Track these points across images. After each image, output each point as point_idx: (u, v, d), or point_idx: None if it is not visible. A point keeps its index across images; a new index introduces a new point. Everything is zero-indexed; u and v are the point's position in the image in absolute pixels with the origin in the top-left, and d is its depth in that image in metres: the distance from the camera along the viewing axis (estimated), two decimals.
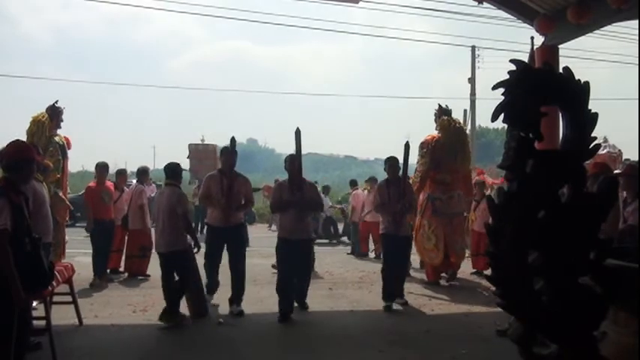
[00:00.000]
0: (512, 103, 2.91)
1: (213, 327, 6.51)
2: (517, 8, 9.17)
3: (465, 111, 24.91)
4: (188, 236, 6.83)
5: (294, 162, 7.23)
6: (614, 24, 9.83)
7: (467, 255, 11.83)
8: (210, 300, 7.26)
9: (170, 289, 6.61)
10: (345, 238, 16.29)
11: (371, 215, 13.19)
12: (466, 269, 10.44)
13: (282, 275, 7.16)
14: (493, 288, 3.11)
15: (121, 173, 10.58)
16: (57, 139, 8.52)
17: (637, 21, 7.43)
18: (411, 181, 8.49)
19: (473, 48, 26.69)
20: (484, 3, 9.31)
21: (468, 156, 10.08)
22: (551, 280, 2.98)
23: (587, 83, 3.08)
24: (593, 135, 3.09)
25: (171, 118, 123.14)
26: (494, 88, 2.97)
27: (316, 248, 8.51)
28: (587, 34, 9.06)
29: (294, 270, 7.17)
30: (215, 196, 7.23)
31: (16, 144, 4.71)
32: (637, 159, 8.28)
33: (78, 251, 10.31)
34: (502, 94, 2.94)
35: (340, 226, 16.95)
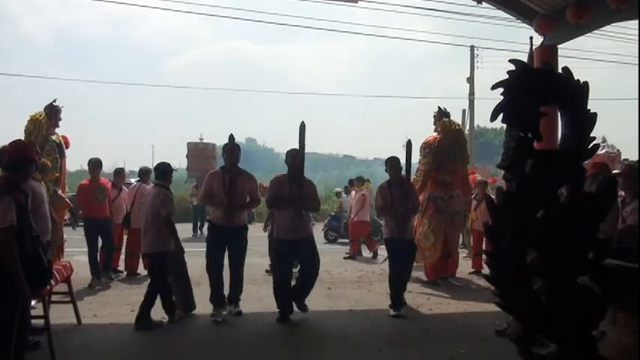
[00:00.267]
0: (512, 102, 2.91)
1: (212, 326, 6.51)
2: (516, 8, 9.19)
3: (464, 111, 24.95)
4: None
5: (295, 157, 6.92)
6: (613, 24, 9.85)
7: (464, 255, 11.92)
8: (219, 315, 6.67)
9: (152, 290, 6.56)
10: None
11: (359, 215, 13.31)
12: (465, 269, 10.45)
13: (278, 277, 6.96)
14: (492, 287, 3.12)
15: (119, 172, 10.56)
16: (54, 137, 8.51)
17: (636, 21, 7.44)
18: (412, 180, 8.45)
19: (472, 48, 26.69)
20: (483, 3, 9.33)
21: (467, 157, 10.35)
22: (550, 280, 2.98)
23: (586, 83, 3.08)
24: (591, 135, 3.10)
25: (170, 117, 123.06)
26: (494, 87, 2.97)
27: (328, 247, 8.51)
28: (586, 34, 9.06)
29: (303, 270, 6.96)
30: (217, 194, 6.87)
31: (17, 143, 4.76)
32: (635, 159, 8.30)
33: (77, 250, 10.29)
34: (501, 94, 2.94)
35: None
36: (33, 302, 5.38)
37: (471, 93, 26.09)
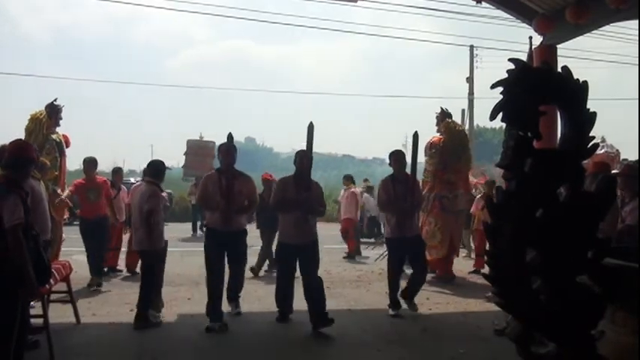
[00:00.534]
0: (511, 102, 2.91)
1: None
2: (516, 8, 9.18)
3: (463, 110, 24.97)
4: (163, 236, 6.75)
5: (304, 158, 6.62)
6: (613, 24, 9.85)
7: (464, 255, 11.97)
8: (214, 328, 6.23)
9: (144, 288, 6.53)
10: None
11: (345, 213, 13.44)
12: (465, 268, 10.46)
13: (281, 283, 6.77)
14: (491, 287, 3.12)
15: (117, 171, 10.55)
16: (54, 136, 8.53)
17: (636, 21, 7.44)
18: (421, 181, 8.48)
19: (471, 47, 26.70)
20: (483, 3, 9.32)
21: (470, 157, 10.56)
22: (549, 279, 2.98)
23: (585, 82, 3.08)
24: (591, 134, 3.10)
25: (169, 116, 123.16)
26: (493, 87, 2.97)
27: (327, 247, 8.49)
28: (585, 34, 9.06)
29: (292, 275, 6.73)
30: (214, 198, 6.53)
31: (17, 143, 4.80)
32: (634, 159, 8.30)
33: (75, 249, 10.29)
34: (500, 93, 2.94)
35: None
36: (32, 302, 5.39)
37: (471, 93, 26.12)
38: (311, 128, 6.68)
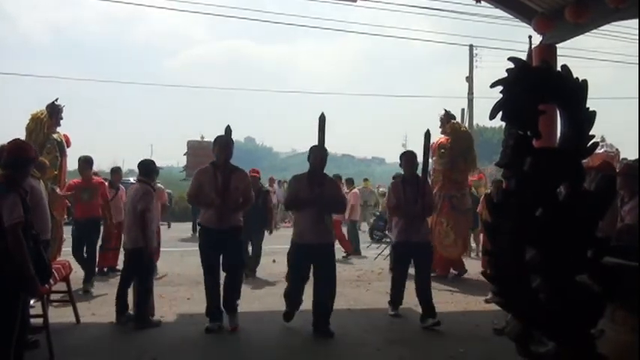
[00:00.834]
0: (510, 101, 2.90)
1: None
2: (515, 7, 9.19)
3: (463, 110, 25.02)
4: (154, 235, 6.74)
5: (317, 153, 6.23)
6: (612, 23, 9.86)
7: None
8: (214, 328, 6.17)
9: (138, 289, 6.53)
10: None
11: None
12: (469, 268, 10.46)
13: (292, 285, 6.37)
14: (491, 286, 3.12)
15: (116, 171, 10.51)
16: (55, 136, 8.59)
17: (636, 20, 7.45)
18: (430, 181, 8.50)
19: (471, 47, 26.78)
20: (482, 2, 9.32)
21: (475, 157, 10.71)
22: (549, 278, 2.98)
23: (584, 81, 3.08)
24: (591, 133, 3.10)
25: (169, 116, 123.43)
26: (492, 86, 2.97)
27: None
28: (585, 34, 9.07)
29: (317, 281, 6.21)
30: (208, 193, 6.23)
31: (16, 142, 4.80)
32: (633, 158, 8.31)
33: None
34: (500, 93, 2.94)
35: None
36: (32, 301, 5.40)
37: (470, 92, 26.21)
38: (322, 120, 6.26)
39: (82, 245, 8.55)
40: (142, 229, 6.43)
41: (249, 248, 9.80)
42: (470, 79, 26.44)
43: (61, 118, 8.72)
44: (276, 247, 13.42)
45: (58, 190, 8.34)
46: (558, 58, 8.94)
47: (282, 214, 23.49)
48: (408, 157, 6.93)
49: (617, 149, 11.62)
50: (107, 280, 9.12)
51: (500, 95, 2.95)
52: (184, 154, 19.77)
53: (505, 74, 2.96)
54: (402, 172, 7.19)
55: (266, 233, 10.51)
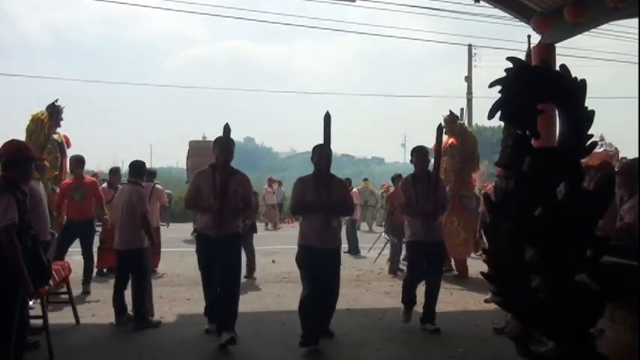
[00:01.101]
0: (509, 100, 2.91)
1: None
2: (514, 7, 9.18)
3: (462, 109, 25.00)
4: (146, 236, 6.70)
5: (322, 154, 5.85)
6: (612, 22, 9.85)
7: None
8: (213, 329, 5.92)
9: (137, 290, 6.53)
10: None
11: None
12: (470, 267, 10.46)
13: (307, 292, 5.70)
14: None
15: (115, 171, 10.47)
16: (55, 136, 8.65)
17: (636, 19, 7.44)
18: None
19: (470, 46, 26.79)
20: (481, 2, 9.32)
21: (478, 158, 10.87)
22: (548, 278, 2.99)
23: (583, 81, 3.08)
24: (590, 133, 3.10)
25: (168, 116, 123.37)
26: (491, 85, 2.97)
27: None
28: (584, 33, 9.06)
29: (320, 285, 5.76)
30: (206, 197, 5.86)
31: (12, 142, 4.77)
32: (632, 157, 8.31)
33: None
34: (499, 92, 2.94)
35: None
36: (31, 302, 5.40)
37: (469, 92, 26.23)
38: (328, 119, 5.84)
39: (66, 249, 8.35)
40: (145, 231, 6.56)
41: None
42: (469, 79, 26.46)
43: (61, 119, 8.75)
44: (275, 248, 13.44)
45: (58, 190, 8.33)
46: (557, 57, 8.94)
47: (283, 214, 23.52)
48: (419, 153, 6.58)
49: (616, 148, 11.62)
50: (107, 281, 9.10)
51: (499, 95, 2.95)
52: (187, 156, 19.55)
53: (504, 74, 2.96)
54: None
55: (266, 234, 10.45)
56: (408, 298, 6.64)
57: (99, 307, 7.26)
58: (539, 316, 2.97)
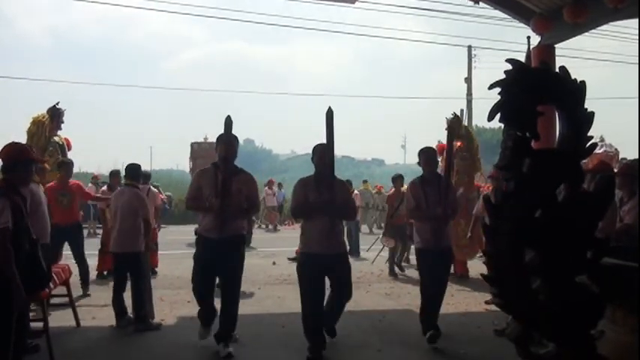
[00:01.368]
0: (509, 102, 2.91)
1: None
2: (513, 8, 9.19)
3: (462, 111, 25.00)
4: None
5: (324, 153, 5.51)
6: (611, 23, 9.86)
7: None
8: (206, 335, 5.78)
9: (136, 292, 6.53)
10: None
11: None
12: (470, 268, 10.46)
13: (307, 303, 5.46)
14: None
15: (115, 174, 10.46)
16: (56, 139, 8.73)
17: (636, 20, 7.45)
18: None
19: (469, 48, 26.81)
20: (480, 3, 9.34)
21: (479, 160, 10.99)
22: (548, 279, 2.99)
23: (583, 82, 3.09)
24: (589, 134, 3.10)
25: (168, 118, 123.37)
26: (491, 87, 2.97)
27: None
28: (583, 34, 9.07)
29: (322, 294, 5.53)
30: (207, 197, 5.50)
31: (12, 145, 4.75)
32: (632, 158, 8.31)
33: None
34: (498, 94, 2.95)
35: None
36: (32, 305, 5.40)
37: (469, 93, 26.24)
38: (330, 116, 5.45)
39: (57, 255, 8.02)
40: (146, 233, 6.61)
41: None
42: (469, 80, 26.47)
43: (62, 122, 8.83)
44: (276, 250, 13.43)
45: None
46: (557, 58, 8.95)
47: (284, 216, 23.50)
48: (428, 155, 6.14)
49: (616, 149, 11.64)
50: (107, 284, 9.09)
51: (499, 96, 2.95)
52: (189, 158, 19.53)
53: (503, 75, 2.97)
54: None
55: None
56: (428, 317, 6.07)
57: (99, 310, 7.25)
58: (539, 317, 2.97)
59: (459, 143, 10.42)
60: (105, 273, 9.64)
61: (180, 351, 5.73)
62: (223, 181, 5.42)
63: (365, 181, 23.70)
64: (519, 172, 2.94)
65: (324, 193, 5.38)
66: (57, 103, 8.76)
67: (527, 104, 2.93)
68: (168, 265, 10.66)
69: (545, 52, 8.75)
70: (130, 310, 6.56)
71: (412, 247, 10.26)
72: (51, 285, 5.38)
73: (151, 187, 10.54)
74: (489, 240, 3.06)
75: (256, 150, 75.78)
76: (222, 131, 5.60)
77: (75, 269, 7.54)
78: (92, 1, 23.89)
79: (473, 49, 26.78)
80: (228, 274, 5.61)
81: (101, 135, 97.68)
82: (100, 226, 9.50)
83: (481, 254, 12.19)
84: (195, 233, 5.91)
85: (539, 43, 8.97)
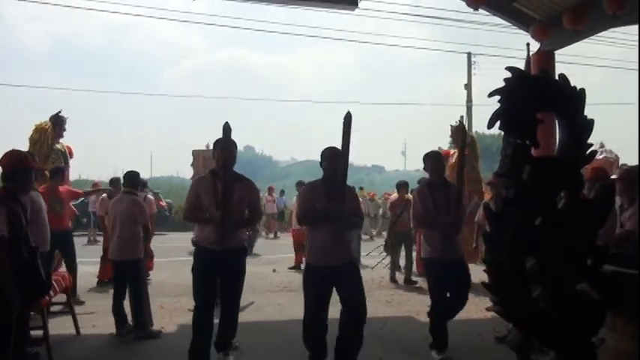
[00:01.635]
0: (508, 110, 2.91)
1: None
2: (513, 15, 9.22)
3: (462, 117, 25.03)
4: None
5: (336, 158, 5.10)
6: (611, 29, 9.88)
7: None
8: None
9: (135, 300, 6.53)
10: None
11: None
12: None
13: (310, 314, 5.13)
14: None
15: (115, 182, 10.46)
16: (59, 146, 8.79)
17: (635, 26, 7.46)
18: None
19: (469, 54, 26.86)
20: (480, 10, 9.36)
21: (478, 167, 11.08)
22: (548, 287, 2.98)
23: (582, 89, 3.09)
24: (589, 141, 3.10)
25: (168, 126, 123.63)
26: (490, 95, 2.97)
27: None
28: (583, 40, 9.10)
29: (326, 304, 5.16)
30: (206, 207, 5.19)
31: (12, 154, 4.75)
32: (633, 164, 8.30)
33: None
34: (498, 102, 2.95)
35: None
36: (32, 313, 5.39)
37: (469, 99, 26.29)
38: (348, 120, 5.02)
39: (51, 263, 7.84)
40: (144, 239, 6.70)
41: None
42: (468, 87, 26.53)
43: (65, 130, 8.90)
44: (276, 257, 13.43)
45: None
46: (557, 64, 8.98)
47: (285, 223, 23.48)
48: (434, 160, 5.83)
49: (616, 155, 11.64)
50: (107, 291, 9.08)
51: (499, 104, 2.95)
52: (191, 165, 19.48)
53: (503, 82, 2.97)
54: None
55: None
56: (437, 335, 5.70)
57: (99, 318, 7.24)
58: (539, 325, 2.96)
59: (466, 151, 10.39)
60: (106, 280, 9.62)
61: (180, 359, 5.71)
62: (224, 190, 5.12)
63: (361, 188, 23.70)
64: (519, 179, 2.94)
65: (333, 200, 4.97)
66: (59, 111, 8.88)
67: (526, 112, 2.93)
68: (168, 272, 10.65)
69: (545, 58, 8.79)
70: (129, 317, 6.55)
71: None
72: (51, 293, 5.38)
73: (148, 194, 10.57)
74: (489, 248, 3.05)
75: (256, 157, 75.78)
76: (217, 137, 5.38)
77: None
78: (97, 9, 23.96)
79: (473, 55, 26.86)
80: (229, 286, 5.40)
81: (101, 142, 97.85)
82: (101, 233, 9.47)
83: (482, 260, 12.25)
84: (193, 243, 5.68)
85: (539, 49, 9.00)
